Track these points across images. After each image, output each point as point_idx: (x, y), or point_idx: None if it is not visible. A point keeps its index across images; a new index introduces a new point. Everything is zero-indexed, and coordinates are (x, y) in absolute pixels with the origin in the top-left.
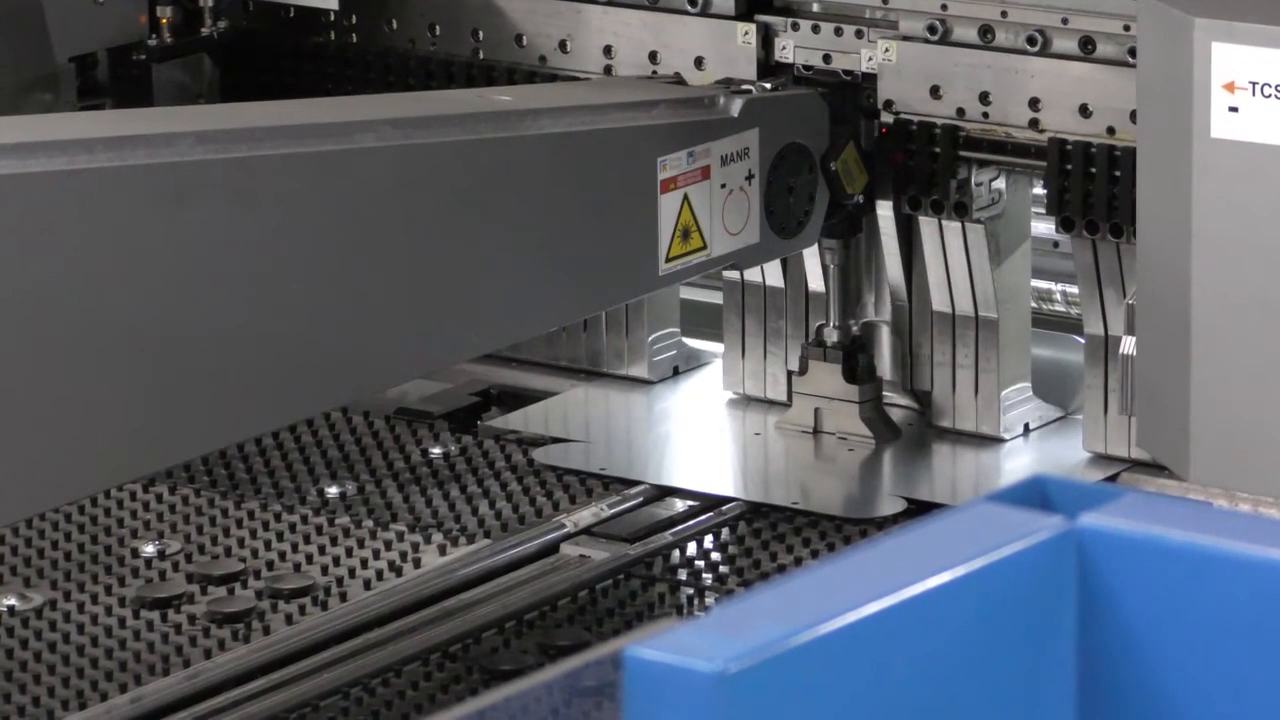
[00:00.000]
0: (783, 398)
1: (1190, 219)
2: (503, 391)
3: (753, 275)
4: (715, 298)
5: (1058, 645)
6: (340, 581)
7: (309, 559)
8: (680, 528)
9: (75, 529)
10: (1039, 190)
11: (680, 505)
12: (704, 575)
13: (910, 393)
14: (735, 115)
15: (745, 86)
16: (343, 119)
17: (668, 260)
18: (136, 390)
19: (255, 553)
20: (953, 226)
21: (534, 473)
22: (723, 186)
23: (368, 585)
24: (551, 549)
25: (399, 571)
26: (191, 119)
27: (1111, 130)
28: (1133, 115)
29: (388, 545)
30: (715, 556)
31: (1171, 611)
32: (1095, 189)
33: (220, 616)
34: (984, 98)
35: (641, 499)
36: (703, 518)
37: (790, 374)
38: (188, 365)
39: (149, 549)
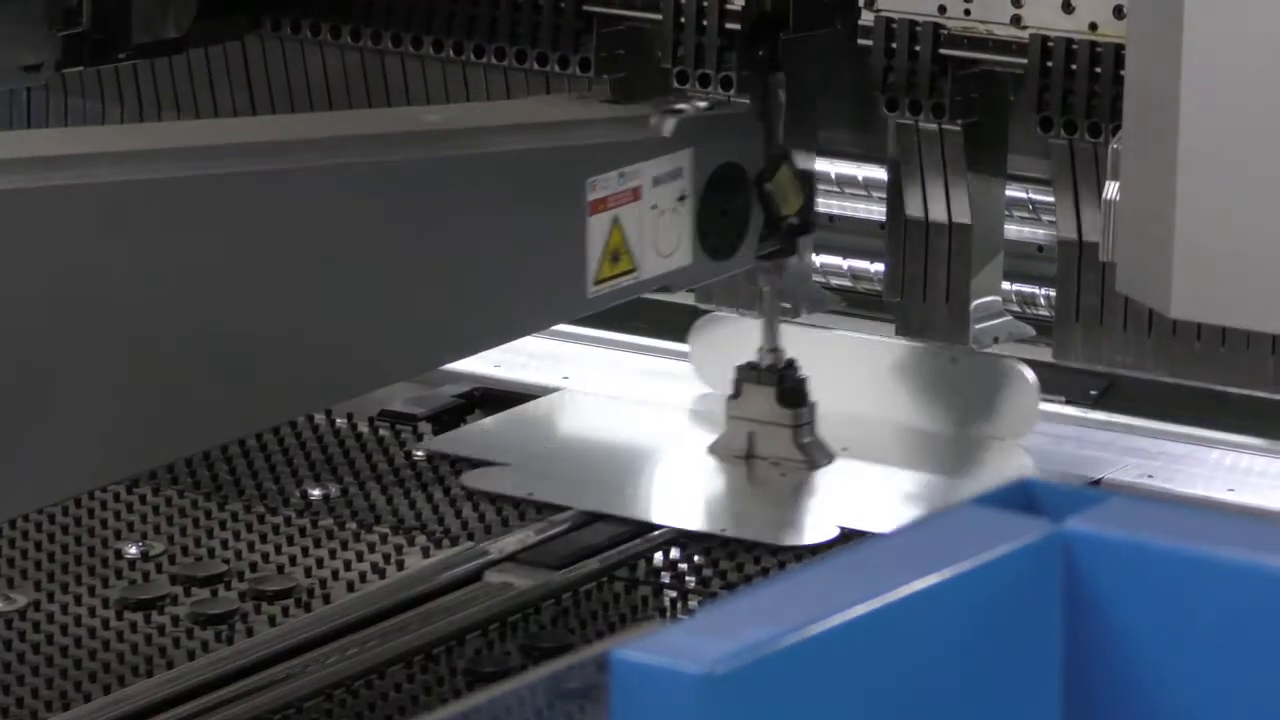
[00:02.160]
0: (751, 309)
1: (1180, 54)
2: (486, 393)
3: None
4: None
5: (1044, 648)
6: (324, 583)
7: (292, 561)
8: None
9: (59, 530)
10: (1015, 193)
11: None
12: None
13: (882, 304)
14: (668, 135)
15: (679, 106)
16: (262, 139)
17: (596, 283)
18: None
19: (238, 554)
20: (930, 129)
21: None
22: (654, 208)
23: (351, 587)
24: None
25: (382, 574)
26: (118, 139)
27: (1094, 26)
28: (1116, 10)
29: (371, 547)
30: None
31: (1157, 615)
32: (1076, 87)
33: (203, 618)
34: None
35: (568, 525)
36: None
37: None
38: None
39: (132, 550)
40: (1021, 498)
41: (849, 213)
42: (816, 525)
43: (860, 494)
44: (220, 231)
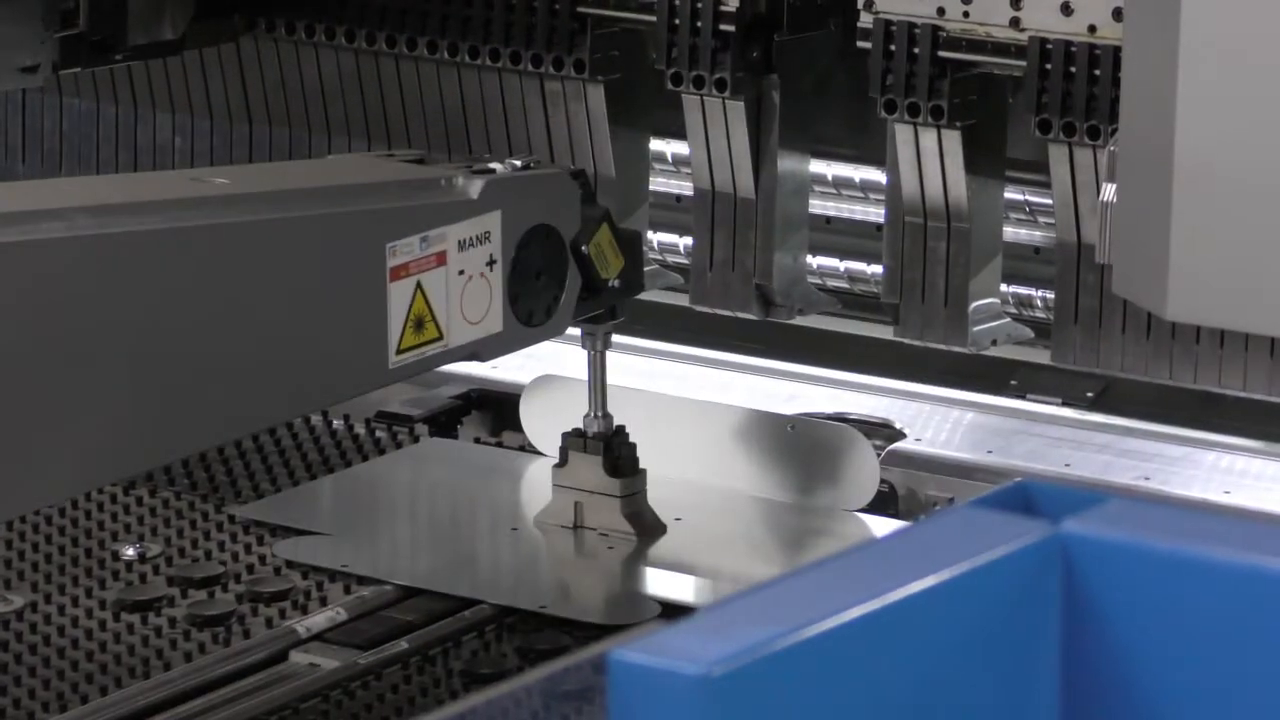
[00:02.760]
0: (750, 313)
1: (1176, 58)
2: (484, 395)
3: (724, 185)
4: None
5: (1042, 649)
6: (320, 585)
7: (289, 563)
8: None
9: (56, 531)
10: (1014, 195)
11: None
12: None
13: (880, 305)
14: (474, 197)
15: (489, 166)
16: (31, 207)
17: (399, 352)
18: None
19: (235, 556)
20: (928, 132)
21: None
22: (461, 273)
23: (347, 590)
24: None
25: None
26: None
27: (1092, 28)
28: (1115, 13)
29: None
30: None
31: (1155, 616)
32: (1074, 89)
33: (200, 620)
34: None
35: (385, 600)
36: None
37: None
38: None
39: (129, 552)
40: (1019, 500)
41: (845, 215)
42: (636, 603)
43: (689, 567)
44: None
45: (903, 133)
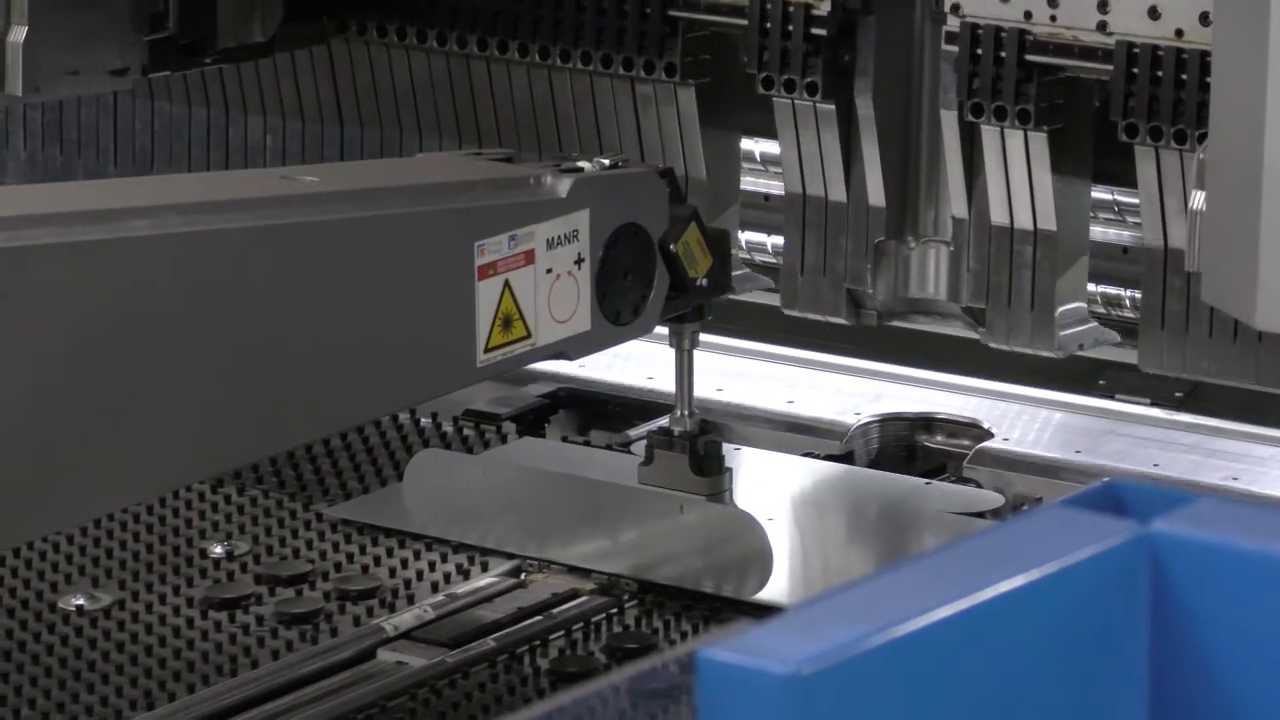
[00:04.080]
0: (840, 317)
1: (1266, 66)
2: (571, 394)
3: (814, 189)
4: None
5: (1130, 650)
6: (408, 584)
7: (376, 561)
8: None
9: (143, 529)
10: (1101, 195)
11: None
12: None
13: (966, 310)
14: (563, 196)
15: (577, 165)
16: (120, 205)
17: (487, 350)
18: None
19: (323, 555)
20: (1015, 136)
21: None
22: (549, 271)
23: (435, 588)
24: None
25: (466, 575)
26: None
27: (1180, 32)
28: (1202, 17)
29: (454, 548)
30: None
31: (1244, 618)
32: (1161, 93)
33: (288, 618)
34: (1053, 1)
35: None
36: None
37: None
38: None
39: (217, 550)
40: (1108, 499)
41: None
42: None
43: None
44: (53, 309)
45: (989, 135)
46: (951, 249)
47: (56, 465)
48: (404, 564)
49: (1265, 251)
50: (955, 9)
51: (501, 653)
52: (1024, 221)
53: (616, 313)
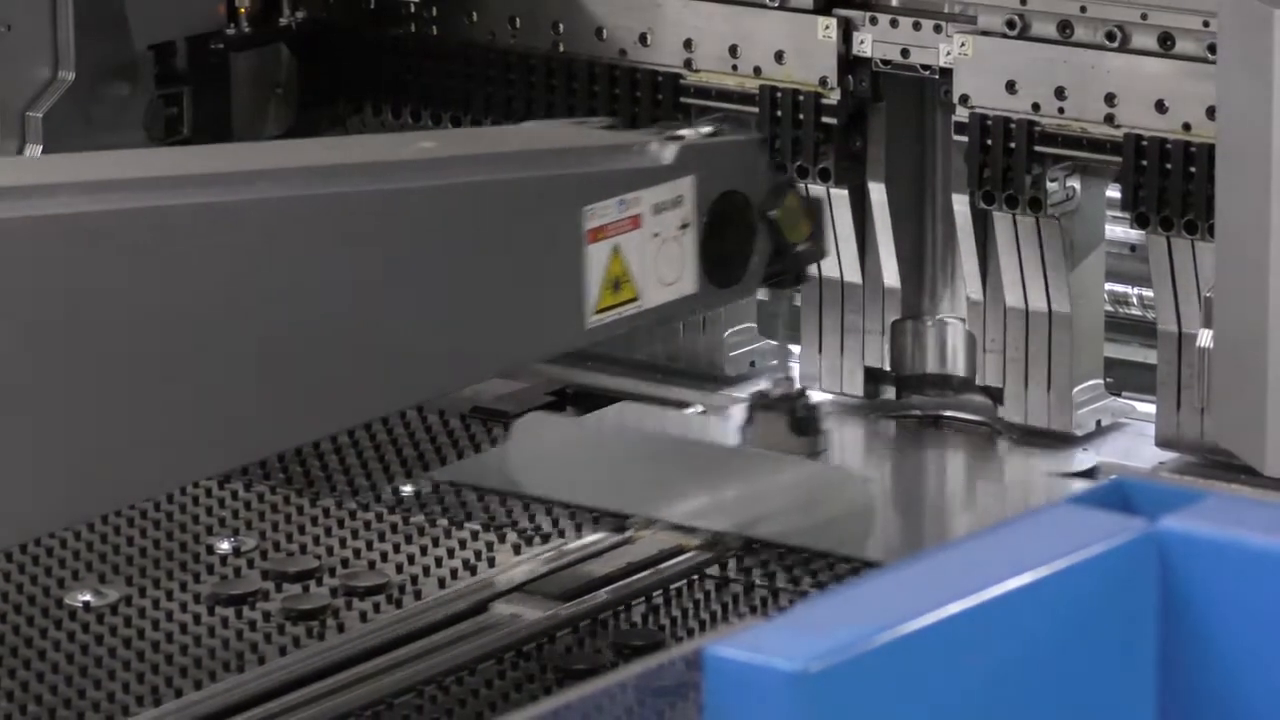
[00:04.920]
0: (859, 392)
1: (1270, 213)
2: (578, 391)
3: (830, 270)
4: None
5: (1138, 647)
6: (415, 580)
7: (383, 557)
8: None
9: (150, 525)
10: (1114, 193)
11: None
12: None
13: (982, 389)
14: (669, 162)
15: (680, 133)
16: (258, 166)
17: (596, 312)
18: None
19: (330, 550)
20: (1027, 222)
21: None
22: (655, 235)
23: (442, 584)
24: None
25: (473, 570)
26: (104, 168)
27: (1187, 126)
28: (1209, 111)
29: (462, 544)
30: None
31: (1252, 614)
32: (1170, 185)
33: (295, 614)
34: (1060, 93)
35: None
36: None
37: (740, 427)
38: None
39: (224, 546)
40: (1116, 497)
41: None
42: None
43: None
44: (193, 266)
45: (1002, 223)
46: (968, 328)
47: (194, 418)
48: (411, 560)
49: (1273, 398)
50: (964, 99)
51: (613, 606)
52: (1038, 303)
53: (719, 277)
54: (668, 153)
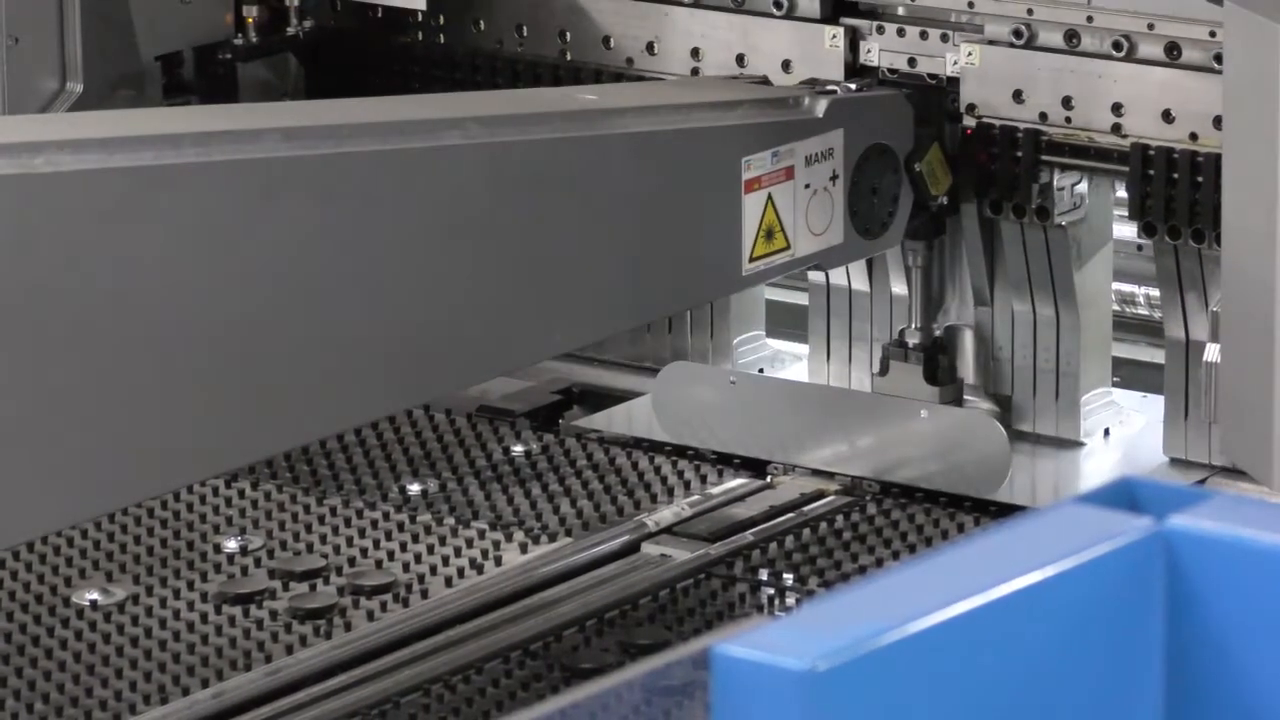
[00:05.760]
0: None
1: (1276, 226)
2: (585, 390)
3: (838, 278)
4: (799, 298)
5: (1146, 647)
6: (421, 579)
7: (390, 556)
8: (761, 527)
9: (157, 524)
10: (1121, 194)
11: (760, 505)
12: (784, 575)
13: (991, 396)
14: (820, 116)
15: (830, 87)
16: (429, 116)
17: (751, 260)
18: (217, 386)
19: (337, 549)
20: (1034, 230)
21: (615, 471)
22: (807, 187)
23: (449, 583)
24: (633, 548)
25: (480, 569)
26: (279, 115)
27: (1194, 136)
28: (1215, 121)
29: (469, 543)
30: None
31: (1261, 614)
32: (1177, 194)
33: (302, 612)
34: (1066, 102)
35: (722, 499)
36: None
37: (873, 375)
38: (269, 361)
39: (231, 544)
40: (1123, 496)
41: None
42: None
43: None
44: (367, 212)
45: (1009, 231)
46: (975, 336)
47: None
48: (417, 559)
49: None
50: (970, 108)
51: (759, 545)
52: (1047, 310)
53: (866, 227)
54: (820, 106)
